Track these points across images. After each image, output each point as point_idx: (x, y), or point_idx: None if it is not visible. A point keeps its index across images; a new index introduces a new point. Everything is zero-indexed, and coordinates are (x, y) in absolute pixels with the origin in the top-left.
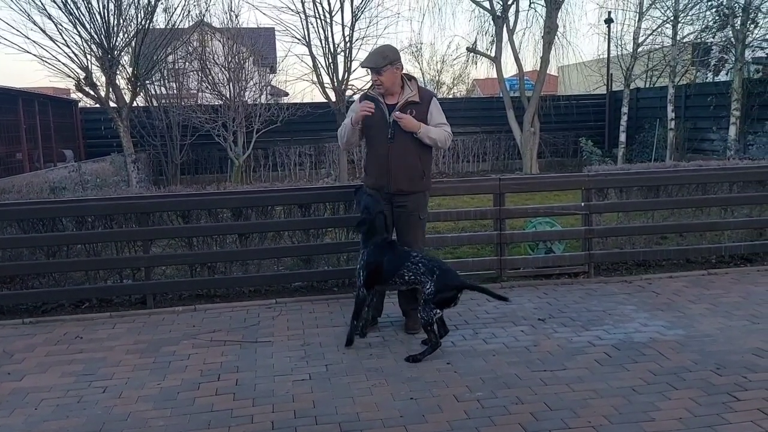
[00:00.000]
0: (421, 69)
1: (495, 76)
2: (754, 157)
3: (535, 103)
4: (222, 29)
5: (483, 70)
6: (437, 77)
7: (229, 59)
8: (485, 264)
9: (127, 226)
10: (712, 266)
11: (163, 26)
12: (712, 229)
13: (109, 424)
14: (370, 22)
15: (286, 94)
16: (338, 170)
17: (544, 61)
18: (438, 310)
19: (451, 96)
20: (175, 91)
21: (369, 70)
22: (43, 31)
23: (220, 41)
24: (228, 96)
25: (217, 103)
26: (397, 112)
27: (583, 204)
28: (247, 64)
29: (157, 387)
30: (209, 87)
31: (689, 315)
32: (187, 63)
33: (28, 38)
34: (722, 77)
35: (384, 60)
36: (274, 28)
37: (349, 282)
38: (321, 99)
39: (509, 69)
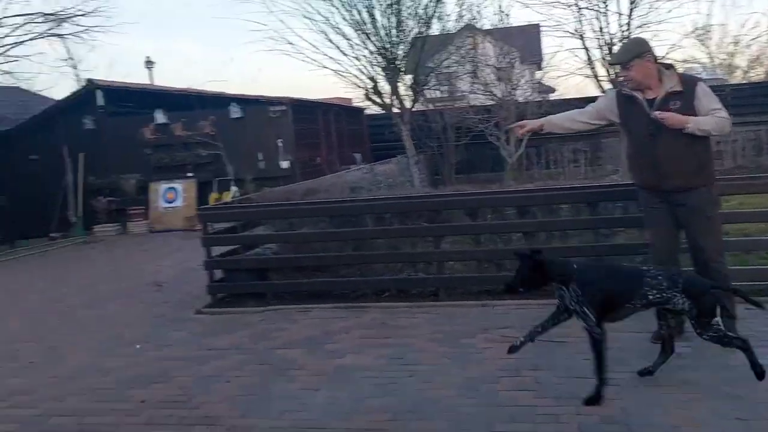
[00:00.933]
0: (709, 53)
1: None
2: None
3: None
4: (492, 30)
5: None
6: (729, 61)
7: (500, 59)
8: None
9: (419, 222)
10: None
11: (438, 33)
12: None
13: (422, 405)
14: (649, 8)
15: (553, 90)
16: (619, 167)
17: None
18: (717, 319)
19: (745, 81)
20: (448, 94)
21: (617, 68)
22: (338, 48)
23: (490, 42)
24: (499, 95)
25: (488, 104)
26: (658, 113)
27: None
28: (516, 62)
29: (460, 376)
30: (481, 88)
31: None
32: (459, 66)
33: (326, 55)
34: None
35: (628, 54)
36: (539, 24)
37: None
38: (593, 93)
39: None
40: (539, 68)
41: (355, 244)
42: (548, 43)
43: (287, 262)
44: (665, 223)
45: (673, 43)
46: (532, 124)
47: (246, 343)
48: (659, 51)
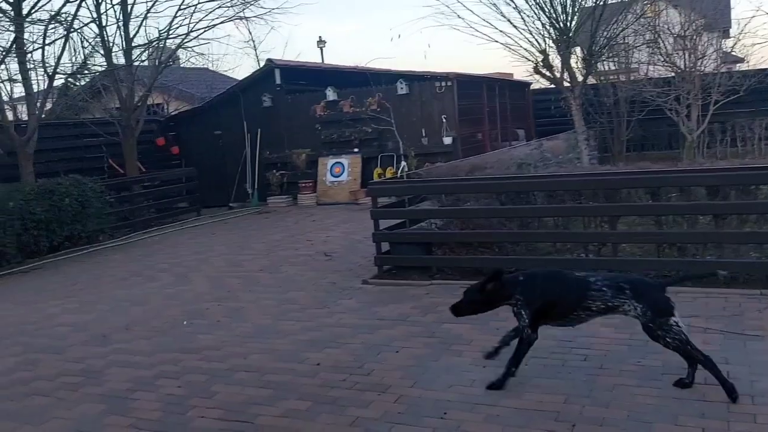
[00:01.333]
0: None
1: None
2: None
3: None
4: None
5: None
6: None
7: (686, 27)
8: None
9: (594, 201)
10: None
11: (616, 1)
12: None
13: (596, 392)
14: None
15: (742, 60)
16: None
17: None
18: (675, 318)
19: None
20: (623, 66)
21: None
22: (509, 20)
23: (675, 9)
24: (682, 66)
25: (669, 76)
26: None
27: None
28: (703, 30)
29: (638, 365)
30: (661, 59)
31: None
32: (637, 36)
33: (496, 28)
34: None
35: None
36: None
37: None
38: None
39: None
40: (727, 36)
41: (521, 222)
42: (741, 7)
43: (452, 237)
44: None
45: None
46: None
47: (413, 314)
48: None
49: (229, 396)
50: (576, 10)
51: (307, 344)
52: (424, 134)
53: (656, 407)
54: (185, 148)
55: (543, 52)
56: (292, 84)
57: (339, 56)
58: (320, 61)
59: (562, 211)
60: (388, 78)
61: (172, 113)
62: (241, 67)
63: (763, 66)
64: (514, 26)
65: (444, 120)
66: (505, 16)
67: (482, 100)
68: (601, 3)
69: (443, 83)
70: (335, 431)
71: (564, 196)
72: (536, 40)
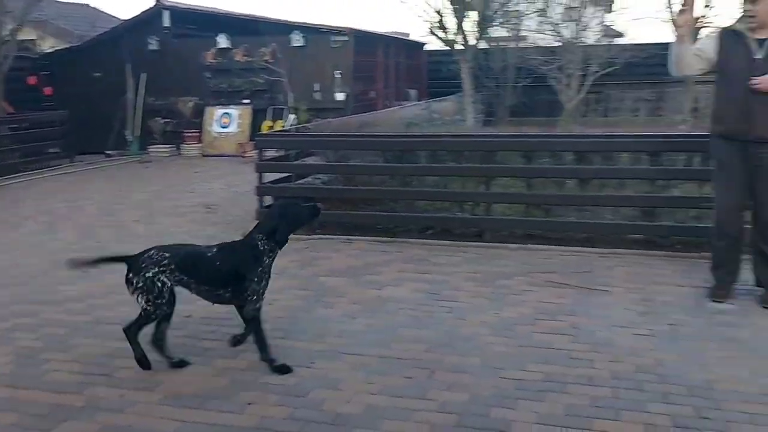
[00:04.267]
0: None
1: None
2: None
3: None
4: None
5: None
6: None
7: None
8: None
9: (472, 162)
10: None
11: None
12: None
13: (455, 341)
14: None
15: (621, 35)
16: (685, 118)
17: None
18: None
19: None
20: (514, 32)
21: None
22: None
23: None
24: (567, 37)
25: (554, 45)
26: (752, 81)
27: None
28: (588, 3)
29: (496, 316)
30: (549, 28)
31: None
32: (529, 4)
33: None
34: None
35: None
36: None
37: (697, 242)
38: (670, 39)
39: None
40: (609, 11)
41: (403, 180)
42: None
43: (336, 193)
44: (738, 177)
45: None
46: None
47: (291, 267)
48: None
49: (89, 348)
50: None
51: (179, 299)
52: (317, 89)
53: (507, 355)
54: (60, 89)
55: (439, 12)
56: (181, 28)
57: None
58: (214, 5)
59: (441, 171)
60: (284, 28)
61: (47, 51)
62: (130, 7)
63: (639, 41)
64: None
65: (338, 75)
66: None
67: (377, 57)
68: None
69: (340, 37)
70: (201, 382)
71: (445, 156)
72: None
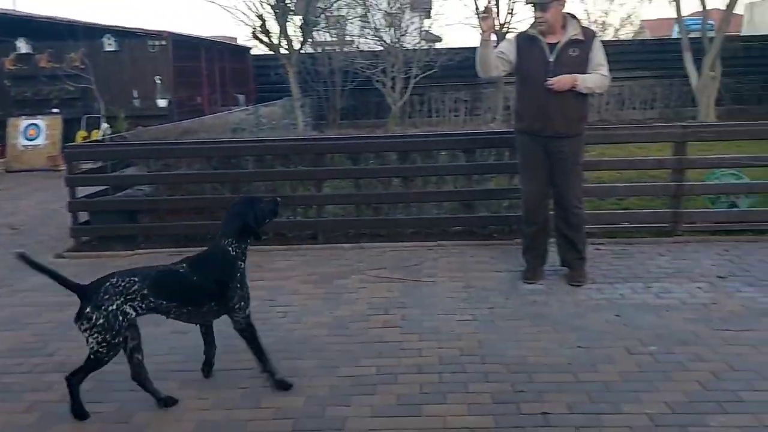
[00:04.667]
0: (586, 10)
1: (667, 15)
2: None
3: (717, 44)
4: None
5: (656, 10)
6: (603, 19)
7: (391, 5)
8: (658, 216)
9: (302, 166)
10: None
11: None
12: None
13: (292, 345)
14: None
15: (440, 40)
16: (496, 116)
17: None
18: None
19: (616, 39)
20: (338, 37)
21: (533, 6)
22: None
23: None
24: (388, 42)
25: (377, 49)
26: (549, 80)
27: None
28: (407, 9)
29: (331, 316)
30: (371, 32)
31: None
32: (350, 10)
33: None
34: None
35: None
36: None
37: (510, 229)
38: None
39: (688, 8)
40: (428, 16)
41: (233, 187)
42: None
43: (161, 204)
44: (541, 169)
45: None
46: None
47: None
48: None
49: None
50: None
51: None
52: (136, 95)
53: (342, 353)
54: None
55: (261, 17)
56: None
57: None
58: (11, 7)
59: (270, 175)
60: (94, 32)
61: None
62: None
63: (454, 46)
64: None
65: (158, 81)
66: None
67: (201, 62)
68: None
69: (156, 42)
70: (7, 420)
71: (273, 160)
72: (254, 4)
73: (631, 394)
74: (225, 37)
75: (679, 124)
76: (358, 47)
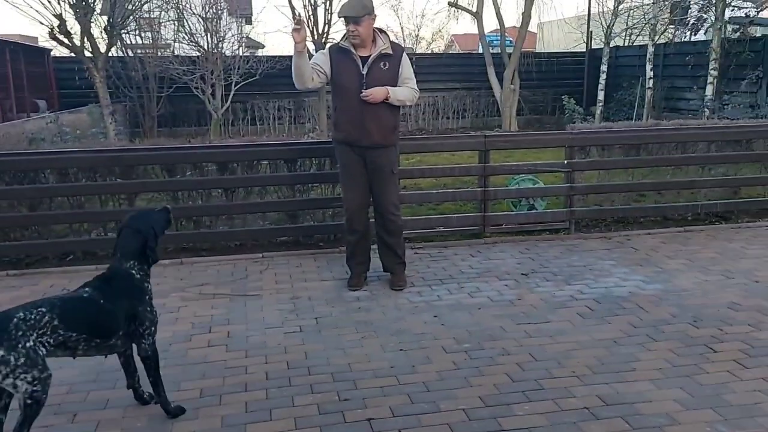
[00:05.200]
0: (400, 24)
1: (475, 31)
2: (731, 116)
3: (515, 59)
4: None
5: (463, 25)
6: (416, 32)
7: (207, 9)
8: (469, 220)
9: (110, 179)
10: (688, 223)
11: None
12: (690, 188)
13: (104, 374)
14: None
15: (263, 47)
16: (318, 125)
17: (526, 16)
18: None
19: (429, 51)
20: (150, 41)
21: (345, 20)
22: None
23: None
24: (206, 47)
25: (194, 55)
26: (364, 92)
27: (566, 161)
28: (224, 14)
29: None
30: (186, 37)
31: (667, 270)
32: (163, 12)
33: None
34: (701, 37)
35: (364, 10)
36: None
37: (334, 237)
38: None
39: (490, 25)
40: (249, 23)
41: (31, 204)
42: None
43: None
44: (361, 178)
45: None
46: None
47: None
48: None
49: None
50: None
51: None
52: None
53: (162, 377)
54: None
55: (59, 16)
56: None
57: None
58: None
59: (75, 190)
60: None
61: None
62: None
63: (276, 53)
64: None
65: None
66: None
67: None
68: None
69: None
70: None
71: (78, 173)
72: (50, 1)
73: (448, 391)
74: (23, 36)
75: (482, 133)
76: (173, 52)
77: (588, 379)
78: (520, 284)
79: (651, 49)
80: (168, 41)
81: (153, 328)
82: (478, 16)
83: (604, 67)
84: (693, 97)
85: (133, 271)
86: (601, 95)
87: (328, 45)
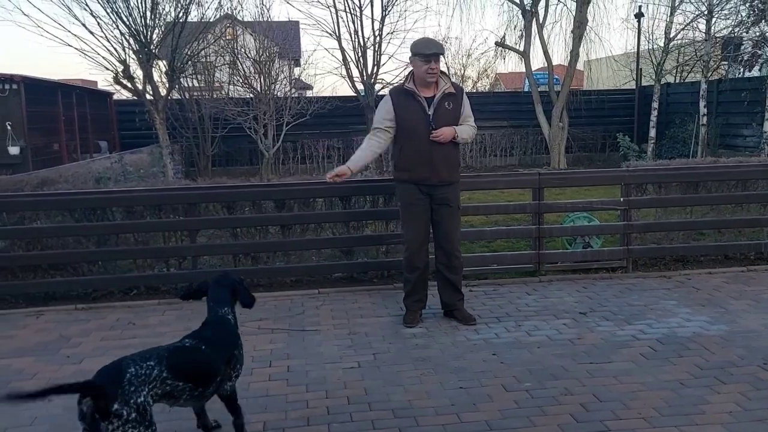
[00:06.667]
0: (446, 63)
1: (520, 70)
2: None
3: (564, 97)
4: (253, 23)
5: (510, 64)
6: (462, 71)
7: (260, 53)
8: (523, 258)
9: (174, 216)
10: (751, 263)
11: (197, 20)
12: (752, 226)
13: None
14: (399, 16)
15: (310, 88)
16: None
17: (574, 55)
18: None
19: (474, 90)
20: (206, 84)
21: (426, 57)
22: (84, 25)
23: (251, 35)
24: (258, 89)
25: (248, 96)
26: (434, 133)
27: (622, 199)
28: (276, 57)
29: None
30: (240, 80)
31: (731, 311)
32: (219, 57)
33: (70, 32)
34: (755, 72)
35: (442, 48)
36: (298, 21)
37: (388, 274)
38: (349, 92)
39: (537, 63)
40: (297, 65)
41: (98, 240)
42: (307, 41)
43: (14, 261)
44: (424, 216)
45: None
46: (340, 170)
47: None
48: (407, 57)
49: None
50: (158, 23)
51: None
52: None
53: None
54: None
55: (123, 62)
56: None
57: None
58: None
59: (140, 227)
60: None
61: None
62: None
63: (325, 94)
64: (91, 32)
65: (9, 127)
66: (79, 20)
67: (58, 107)
68: (182, 20)
69: (6, 86)
70: None
71: (143, 211)
72: (115, 49)
73: (511, 430)
74: (84, 81)
75: (536, 170)
76: (227, 94)
77: (655, 421)
78: (579, 323)
79: (704, 86)
80: (222, 83)
81: (241, 370)
82: (525, 55)
83: (655, 104)
84: (750, 134)
85: (229, 317)
86: (652, 132)
87: (377, 84)
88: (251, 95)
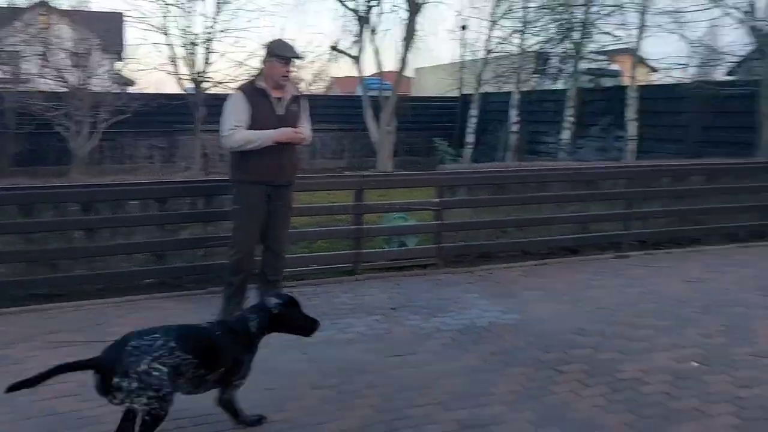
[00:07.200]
0: None
1: (355, 74)
2: (583, 158)
3: (392, 103)
4: (71, 12)
5: (344, 68)
6: (296, 73)
7: (77, 44)
8: (342, 258)
9: None
10: (544, 257)
11: (4, 5)
12: (547, 224)
13: None
14: (232, 15)
15: (133, 83)
16: (192, 164)
17: (403, 62)
18: None
19: (308, 93)
20: (11, 75)
21: (283, 60)
22: None
23: (67, 25)
24: (73, 83)
25: (60, 90)
26: (296, 130)
27: (438, 200)
28: (95, 50)
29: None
30: (52, 72)
31: (524, 300)
32: (28, 46)
33: None
34: (559, 85)
35: (298, 53)
36: (122, 13)
37: (204, 279)
38: (176, 90)
39: (370, 68)
40: (120, 59)
41: None
42: (131, 35)
43: None
44: (262, 218)
45: (251, 52)
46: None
47: None
48: (239, 57)
49: None
50: None
51: None
52: None
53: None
54: None
55: None
56: None
57: None
58: None
59: None
60: None
61: None
62: None
63: (149, 90)
64: None
65: None
66: None
67: None
68: None
69: None
70: None
71: None
72: None
73: (314, 427)
74: None
75: (358, 173)
76: (36, 87)
77: (449, 404)
78: (389, 318)
79: (516, 96)
80: (31, 75)
81: (241, 383)
82: (357, 60)
83: (474, 112)
84: (551, 141)
85: (251, 323)
86: (470, 138)
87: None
88: (65, 89)
